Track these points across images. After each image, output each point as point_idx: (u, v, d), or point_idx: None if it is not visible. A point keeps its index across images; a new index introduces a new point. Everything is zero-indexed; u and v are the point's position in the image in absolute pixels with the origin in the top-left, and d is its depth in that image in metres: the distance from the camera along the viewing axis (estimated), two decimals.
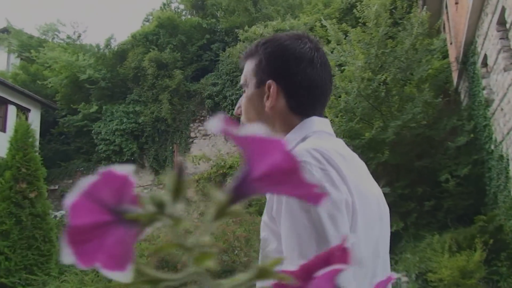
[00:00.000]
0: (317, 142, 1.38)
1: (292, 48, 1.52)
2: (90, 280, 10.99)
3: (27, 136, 11.16)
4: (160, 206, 0.40)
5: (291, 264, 1.08)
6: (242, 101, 1.58)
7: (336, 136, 1.51)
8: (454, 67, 14.60)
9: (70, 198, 0.36)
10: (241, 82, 1.59)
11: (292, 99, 1.50)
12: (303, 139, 1.43)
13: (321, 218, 1.19)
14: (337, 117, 13.16)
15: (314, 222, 1.19)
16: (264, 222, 1.34)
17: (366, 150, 12.55)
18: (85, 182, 0.37)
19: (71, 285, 11.06)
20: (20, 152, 10.84)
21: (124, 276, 0.38)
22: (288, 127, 1.48)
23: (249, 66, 1.56)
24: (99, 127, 20.71)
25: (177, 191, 0.41)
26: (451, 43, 15.17)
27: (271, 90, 1.50)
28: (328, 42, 17.41)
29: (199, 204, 18.36)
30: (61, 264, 12.93)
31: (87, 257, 0.36)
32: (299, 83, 1.50)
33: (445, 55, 15.67)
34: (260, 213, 17.34)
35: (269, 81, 1.50)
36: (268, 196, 1.34)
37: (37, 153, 11.48)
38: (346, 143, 1.50)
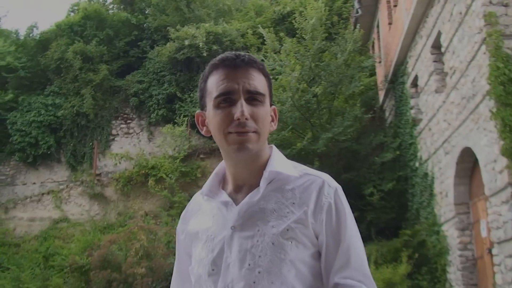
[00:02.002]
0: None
1: None
2: (26, 277, 10.47)
3: None
4: None
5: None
6: (258, 112, 1.59)
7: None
8: (382, 85, 15.09)
9: None
10: (259, 90, 1.60)
11: None
12: (293, 164, 1.70)
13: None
14: None
15: None
16: (290, 226, 1.54)
17: (297, 160, 12.64)
18: None
19: (7, 282, 10.49)
20: None
21: None
22: (266, 147, 1.67)
23: (262, 81, 1.63)
24: (15, 117, 19.73)
25: None
26: (379, 62, 15.68)
27: (276, 114, 1.73)
28: (259, 49, 17.56)
29: (118, 204, 17.94)
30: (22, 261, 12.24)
31: None
32: None
33: (372, 73, 16.20)
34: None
35: (274, 107, 1.72)
36: (291, 200, 1.58)
37: None
38: None
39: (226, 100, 1.57)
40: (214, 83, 1.60)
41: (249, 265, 1.51)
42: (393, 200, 12.96)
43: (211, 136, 1.65)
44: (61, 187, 18.73)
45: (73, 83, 20.18)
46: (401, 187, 13.04)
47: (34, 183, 19.95)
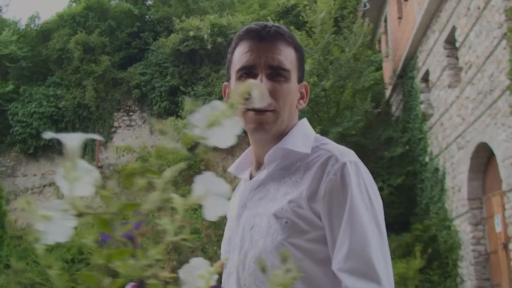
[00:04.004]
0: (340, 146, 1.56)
1: None
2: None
3: None
4: None
5: (382, 248, 1.32)
6: (280, 88, 1.50)
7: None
8: (390, 80, 15.06)
9: None
10: (284, 65, 1.51)
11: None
12: (316, 139, 1.57)
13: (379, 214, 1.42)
14: None
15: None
16: (285, 206, 1.41)
17: None
18: None
19: (35, 275, 10.34)
20: None
21: None
22: (291, 124, 1.57)
23: (290, 55, 1.54)
24: (16, 107, 19.55)
25: None
26: (387, 56, 15.64)
27: (307, 91, 1.64)
28: None
29: (121, 197, 17.82)
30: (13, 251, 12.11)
31: None
32: None
33: (378, 68, 16.16)
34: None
35: (305, 83, 1.63)
36: (295, 179, 1.46)
37: None
38: None
39: (248, 74, 1.51)
40: (238, 55, 1.55)
41: (247, 246, 1.46)
42: (402, 195, 12.95)
43: None
44: None
45: (74, 74, 20.01)
46: (409, 182, 13.04)
47: (34, 175, 19.79)
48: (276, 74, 1.50)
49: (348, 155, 1.46)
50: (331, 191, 1.38)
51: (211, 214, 0.55)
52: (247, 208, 1.53)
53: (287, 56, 1.52)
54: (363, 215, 1.35)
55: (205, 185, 0.55)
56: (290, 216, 1.40)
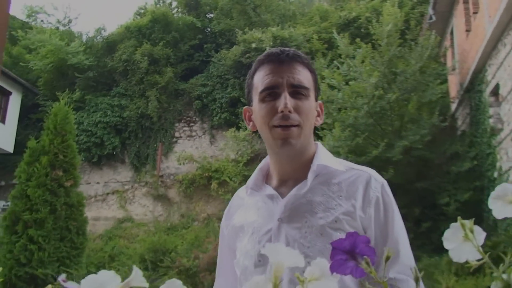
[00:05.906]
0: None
1: None
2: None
3: (65, 121, 10.71)
4: None
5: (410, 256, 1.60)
6: (302, 105, 1.64)
7: (340, 152, 1.83)
8: (457, 94, 14.81)
9: None
10: (304, 84, 1.65)
11: None
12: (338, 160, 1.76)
13: None
14: (344, 131, 13.04)
15: None
16: (338, 218, 1.57)
17: (370, 167, 12.58)
18: None
19: None
20: (59, 138, 10.34)
21: None
22: (311, 141, 1.73)
23: (307, 75, 1.69)
24: (82, 117, 20.10)
25: None
26: (453, 70, 15.38)
27: (322, 109, 1.79)
28: (324, 55, 17.48)
29: (181, 206, 18.09)
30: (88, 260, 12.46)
31: None
32: None
33: (443, 81, 15.89)
34: None
35: (320, 102, 1.78)
36: (338, 194, 1.62)
37: (74, 140, 11.02)
38: (351, 160, 1.79)
39: (271, 94, 1.63)
40: (260, 78, 1.67)
41: None
42: (468, 210, 12.64)
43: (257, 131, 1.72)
44: (126, 187, 18.99)
45: (138, 85, 20.46)
46: (476, 198, 12.74)
47: (97, 183, 20.26)
48: (297, 92, 1.63)
49: (380, 176, 1.70)
50: (377, 207, 1.60)
51: None
52: (286, 222, 1.62)
53: (305, 76, 1.67)
54: (403, 228, 1.63)
55: None
56: (343, 227, 1.54)
